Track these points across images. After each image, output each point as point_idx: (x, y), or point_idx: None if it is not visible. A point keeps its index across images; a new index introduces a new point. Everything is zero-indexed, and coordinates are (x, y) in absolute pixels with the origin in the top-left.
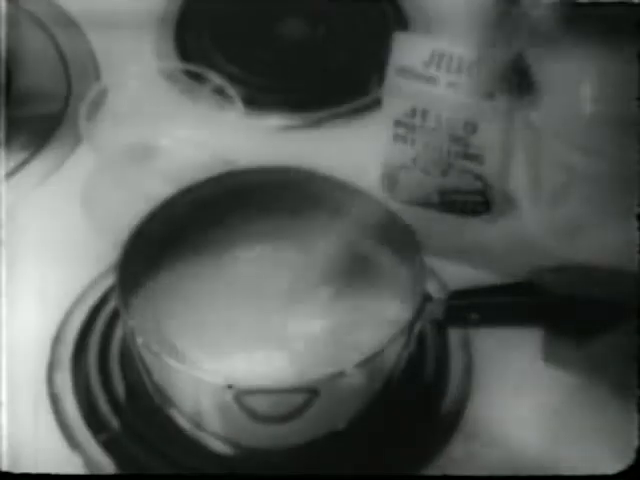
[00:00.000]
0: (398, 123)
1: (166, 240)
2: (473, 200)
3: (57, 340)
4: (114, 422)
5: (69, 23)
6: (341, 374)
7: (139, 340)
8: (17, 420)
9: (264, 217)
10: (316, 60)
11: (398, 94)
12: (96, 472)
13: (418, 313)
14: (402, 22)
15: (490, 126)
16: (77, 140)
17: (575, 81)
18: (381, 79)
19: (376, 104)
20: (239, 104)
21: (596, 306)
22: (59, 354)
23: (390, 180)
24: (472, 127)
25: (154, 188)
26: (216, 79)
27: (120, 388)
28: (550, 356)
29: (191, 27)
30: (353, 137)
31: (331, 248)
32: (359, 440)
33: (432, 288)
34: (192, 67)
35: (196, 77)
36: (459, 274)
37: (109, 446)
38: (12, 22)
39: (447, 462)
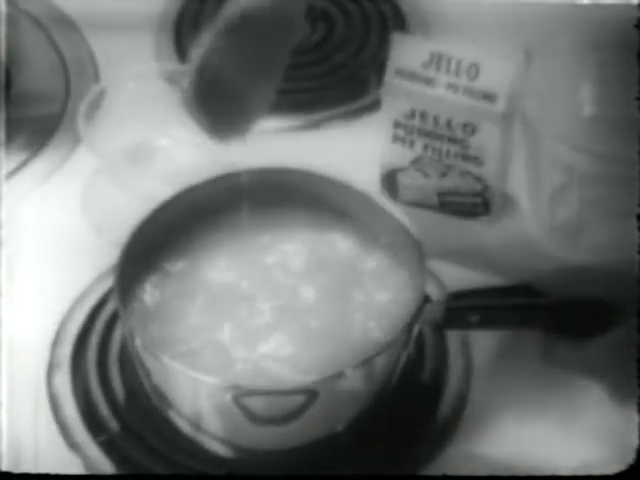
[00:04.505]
0: (397, 124)
1: (166, 241)
2: (472, 201)
3: (57, 341)
4: (113, 423)
5: (68, 24)
6: (340, 375)
7: (138, 341)
8: (17, 420)
9: (263, 218)
10: (316, 60)
11: (397, 95)
12: (95, 472)
13: (417, 314)
14: (401, 23)
15: (489, 127)
16: (76, 141)
17: (575, 81)
18: (380, 80)
19: (375, 105)
20: None
21: (596, 306)
22: (59, 355)
23: (389, 181)
24: (471, 128)
25: (154, 189)
26: None
27: (119, 389)
28: (550, 356)
29: (191, 28)
30: (352, 138)
31: (330, 248)
32: (358, 441)
33: (431, 290)
34: None
35: None
36: (458, 276)
37: (108, 447)
38: (12, 23)
39: (447, 462)
